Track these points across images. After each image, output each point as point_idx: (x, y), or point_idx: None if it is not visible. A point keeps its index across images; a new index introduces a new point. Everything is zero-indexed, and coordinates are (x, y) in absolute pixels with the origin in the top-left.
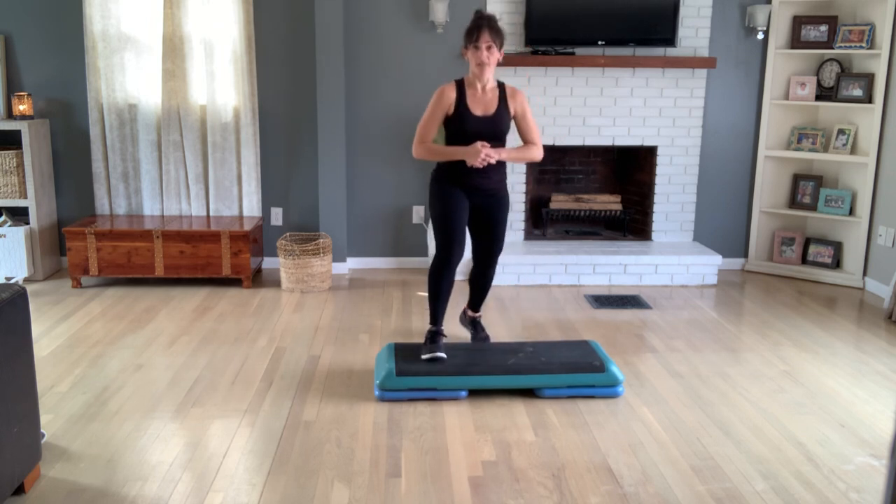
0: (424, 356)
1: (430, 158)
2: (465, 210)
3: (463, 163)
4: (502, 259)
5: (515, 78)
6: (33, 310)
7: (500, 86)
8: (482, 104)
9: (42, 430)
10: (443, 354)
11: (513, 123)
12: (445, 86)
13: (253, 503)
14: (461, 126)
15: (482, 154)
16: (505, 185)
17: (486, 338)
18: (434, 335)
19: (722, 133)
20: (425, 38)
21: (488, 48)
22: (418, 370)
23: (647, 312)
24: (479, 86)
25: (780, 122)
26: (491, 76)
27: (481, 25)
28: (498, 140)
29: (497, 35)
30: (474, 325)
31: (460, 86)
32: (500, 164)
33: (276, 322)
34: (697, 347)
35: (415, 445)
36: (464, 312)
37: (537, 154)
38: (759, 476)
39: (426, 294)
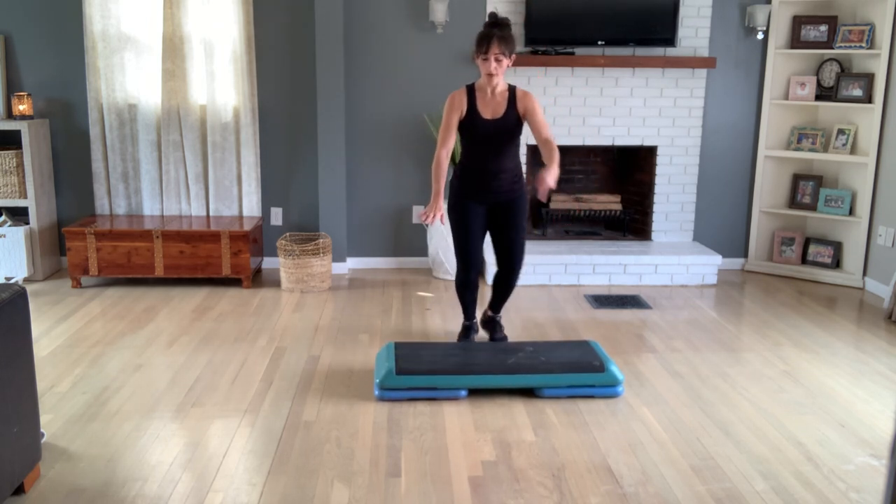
0: None
1: (433, 171)
2: (479, 224)
3: (476, 171)
4: None
5: (515, 78)
6: (33, 310)
7: (511, 90)
8: (491, 108)
9: (42, 430)
10: None
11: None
12: (456, 92)
13: (253, 503)
14: (472, 129)
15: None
16: (520, 187)
17: (504, 338)
18: (466, 330)
19: (722, 133)
20: (425, 38)
21: (497, 60)
22: (418, 369)
23: (647, 312)
24: (488, 90)
25: (780, 121)
26: (500, 81)
27: (491, 36)
28: (508, 141)
29: (507, 44)
30: (493, 325)
31: (471, 91)
32: (514, 169)
33: (276, 322)
34: (697, 347)
35: (415, 445)
36: (484, 313)
37: (555, 150)
38: (759, 476)
39: (428, 294)
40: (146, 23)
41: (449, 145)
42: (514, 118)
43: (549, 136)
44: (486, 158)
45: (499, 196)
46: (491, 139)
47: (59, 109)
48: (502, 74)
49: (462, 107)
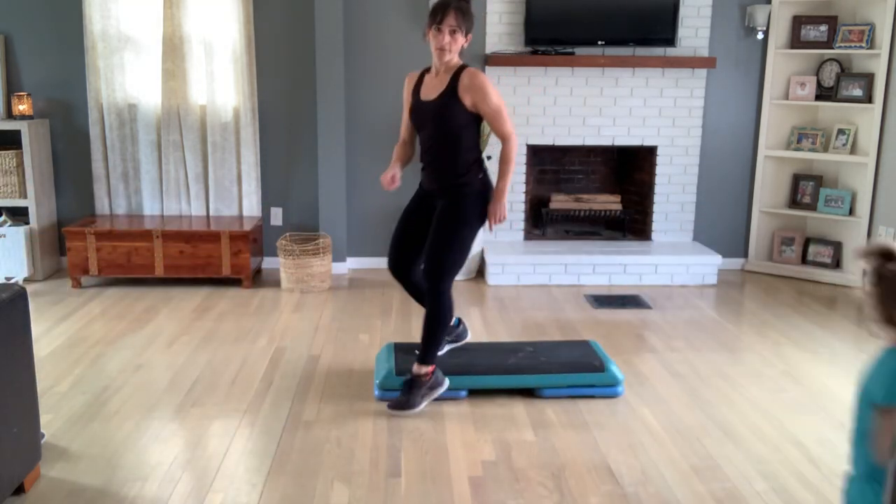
0: None
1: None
2: (414, 212)
3: (422, 158)
4: (502, 259)
5: (515, 78)
6: (33, 310)
7: (458, 70)
8: (431, 88)
9: (42, 430)
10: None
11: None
12: (411, 73)
13: (253, 503)
14: (410, 112)
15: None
16: (458, 190)
17: (403, 404)
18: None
19: (722, 133)
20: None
21: (452, 32)
22: None
23: (647, 312)
24: (435, 70)
25: (780, 121)
26: (452, 59)
27: (448, 5)
28: (440, 129)
29: (465, 18)
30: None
31: (424, 72)
32: (450, 163)
33: (276, 322)
34: (697, 347)
35: (415, 445)
36: None
37: (506, 153)
38: (759, 476)
39: None
40: (146, 23)
41: (402, 132)
42: (451, 105)
43: (506, 132)
44: (423, 147)
45: (433, 192)
46: (422, 125)
47: (59, 109)
48: (455, 53)
49: (409, 88)
